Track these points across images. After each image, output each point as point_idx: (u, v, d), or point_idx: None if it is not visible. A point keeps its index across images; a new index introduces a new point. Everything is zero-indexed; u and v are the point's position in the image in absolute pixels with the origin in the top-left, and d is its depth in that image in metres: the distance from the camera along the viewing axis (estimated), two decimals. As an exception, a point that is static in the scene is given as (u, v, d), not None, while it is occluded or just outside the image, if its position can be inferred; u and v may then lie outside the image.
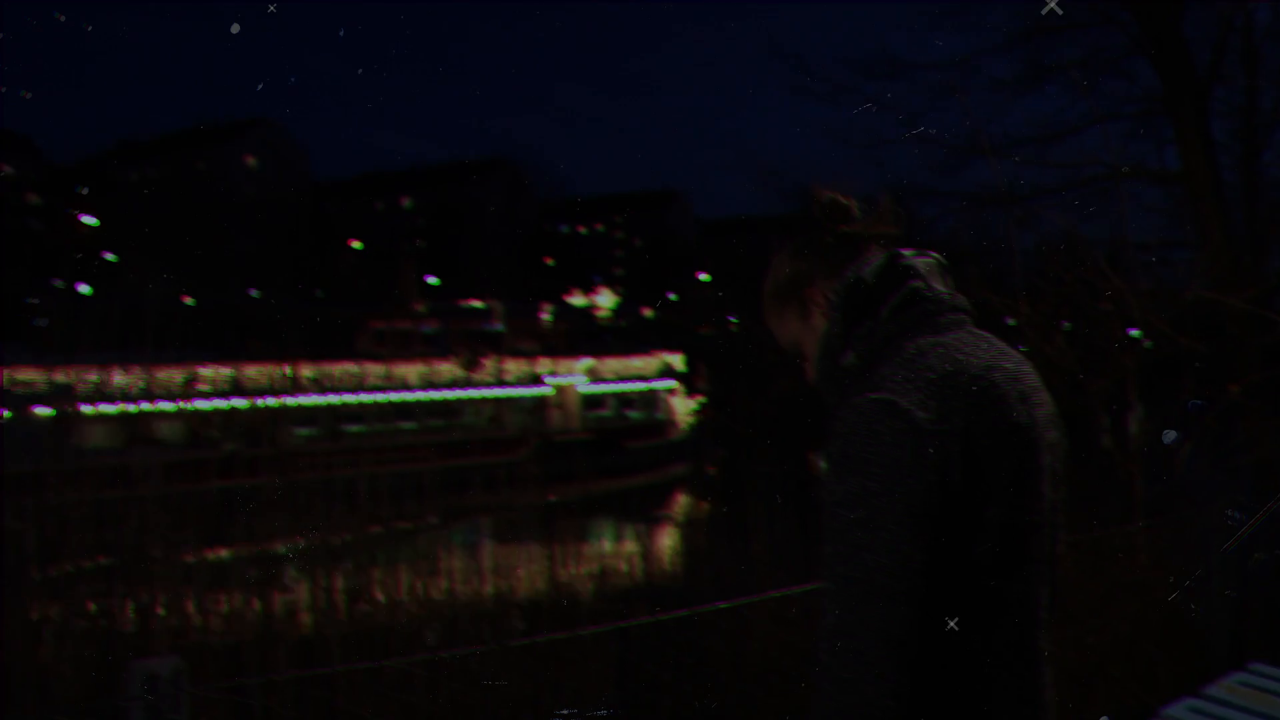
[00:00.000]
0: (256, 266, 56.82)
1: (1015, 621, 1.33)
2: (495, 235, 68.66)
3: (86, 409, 18.12)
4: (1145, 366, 4.82)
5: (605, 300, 36.73)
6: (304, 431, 22.75)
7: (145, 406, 19.67)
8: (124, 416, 19.10)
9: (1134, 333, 4.86)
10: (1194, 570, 4.09)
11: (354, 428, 25.56)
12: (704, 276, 63.50)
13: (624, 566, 8.24)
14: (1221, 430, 4.76)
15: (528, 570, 7.00)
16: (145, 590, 4.14)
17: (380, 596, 5.21)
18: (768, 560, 5.35)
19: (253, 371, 20.70)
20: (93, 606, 4.04)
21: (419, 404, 27.52)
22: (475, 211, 68.59)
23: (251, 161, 66.09)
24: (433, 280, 59.19)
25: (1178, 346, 4.88)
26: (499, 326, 31.51)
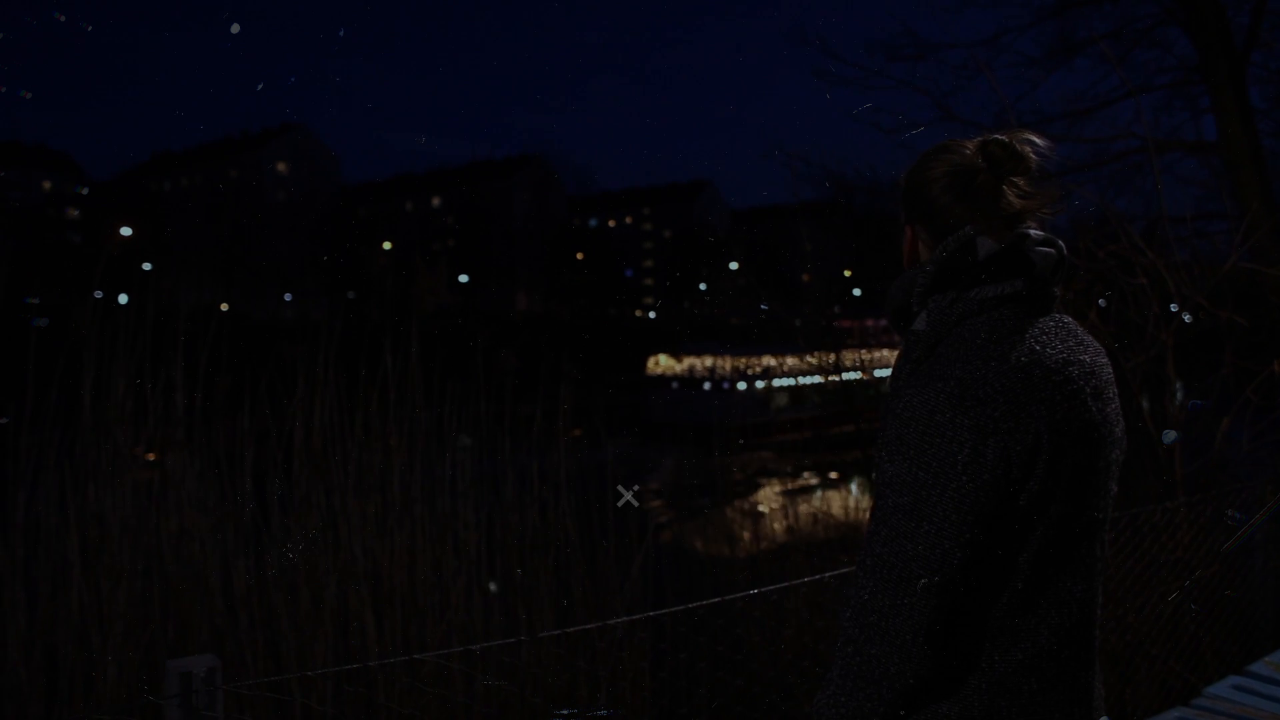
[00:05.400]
0: (292, 270, 57.52)
1: (1074, 616, 1.31)
2: (525, 231, 68.92)
3: (777, 382, 30.23)
4: (1183, 341, 4.71)
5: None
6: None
7: (801, 380, 29.75)
8: (791, 387, 30.05)
9: (1171, 307, 4.76)
10: (1236, 547, 4.01)
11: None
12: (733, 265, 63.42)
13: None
14: (1262, 404, 4.65)
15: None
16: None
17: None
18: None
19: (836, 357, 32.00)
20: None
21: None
22: (504, 209, 68.86)
23: (283, 167, 66.88)
24: (463, 278, 59.66)
25: (1216, 320, 4.77)
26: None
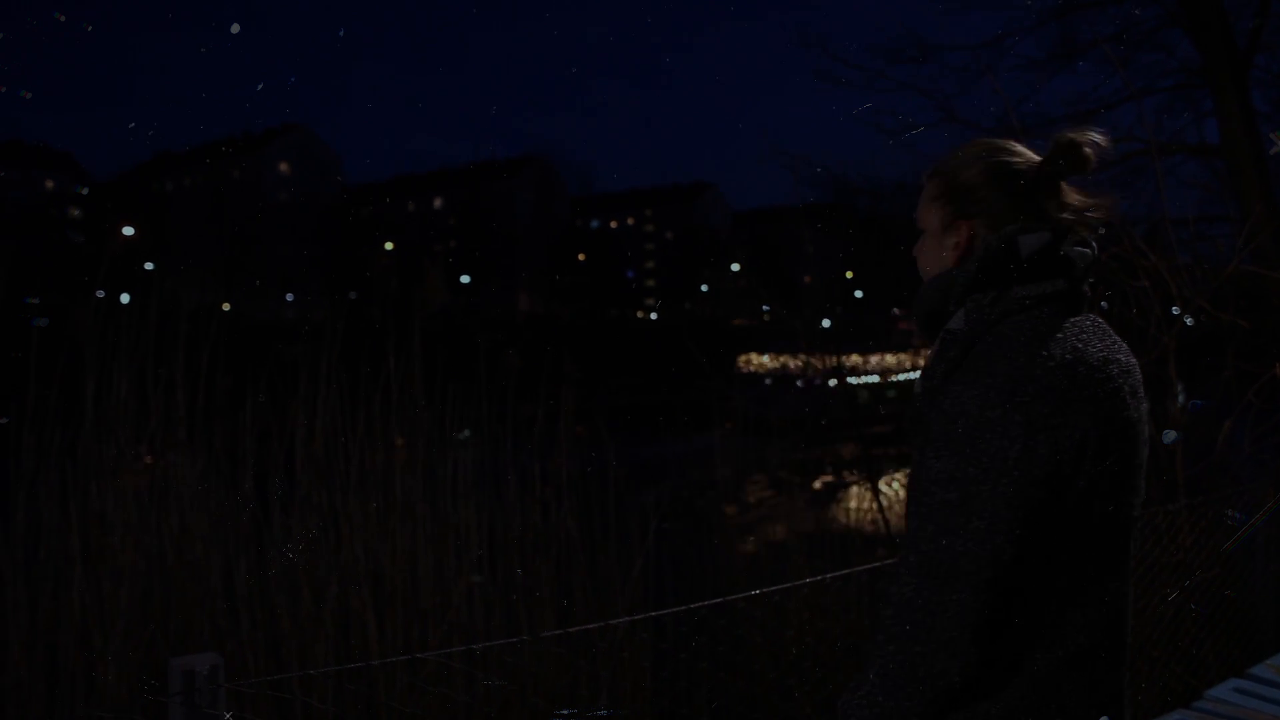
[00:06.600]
0: (294, 271, 57.54)
1: (1111, 614, 1.31)
2: (527, 232, 68.91)
3: (854, 380, 31.08)
4: (1185, 344, 4.71)
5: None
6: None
7: (878, 378, 32.77)
8: (868, 385, 32.00)
9: (1173, 310, 4.76)
10: (1236, 550, 4.01)
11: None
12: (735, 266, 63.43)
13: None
14: (1264, 407, 4.64)
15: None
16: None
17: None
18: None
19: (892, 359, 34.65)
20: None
21: None
22: (506, 209, 68.86)
23: (285, 167, 66.89)
24: (465, 278, 59.68)
25: (1218, 323, 4.77)
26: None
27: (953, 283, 1.39)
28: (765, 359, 36.03)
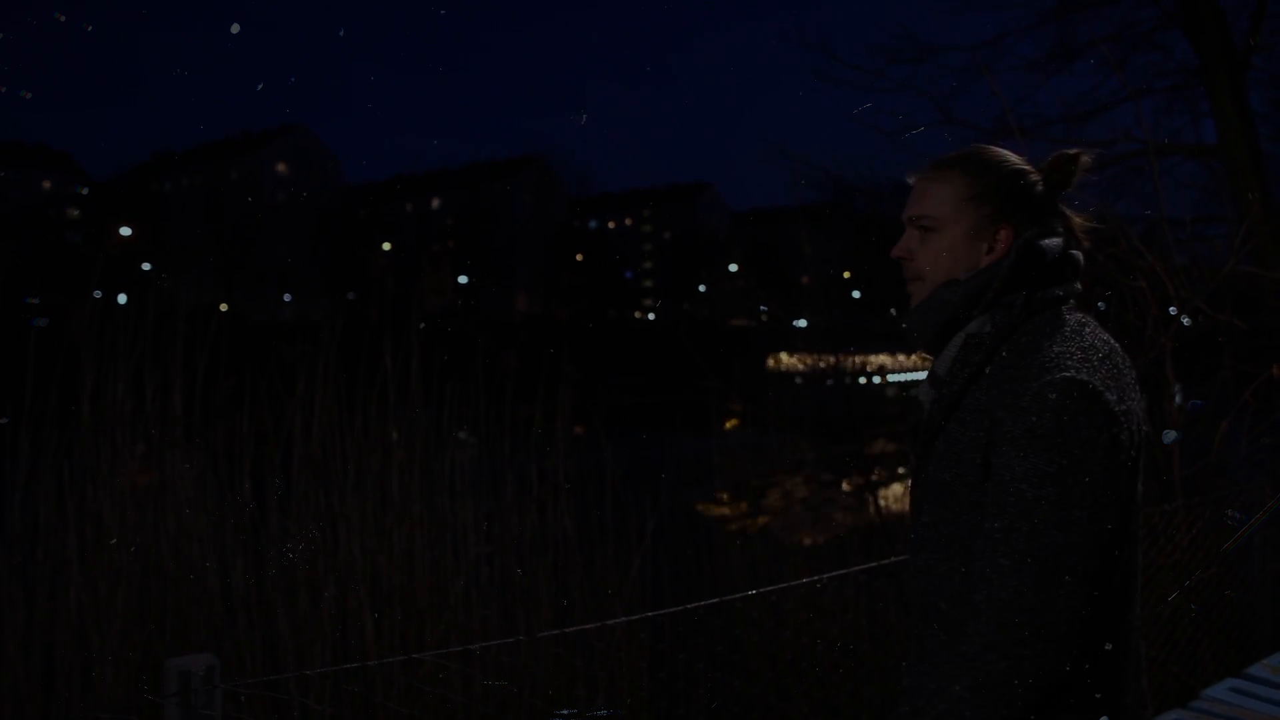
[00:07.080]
0: (292, 271, 57.49)
1: (1136, 592, 1.36)
2: (525, 233, 68.86)
3: (876, 379, 29.59)
4: (1182, 345, 4.71)
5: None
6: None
7: (902, 378, 30.91)
8: (895, 383, 29.91)
9: (1170, 310, 4.76)
10: (1233, 550, 4.01)
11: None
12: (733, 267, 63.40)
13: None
14: (1261, 408, 4.65)
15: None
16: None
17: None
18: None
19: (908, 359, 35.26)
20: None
21: None
22: (504, 210, 68.80)
23: (283, 168, 66.83)
24: (463, 279, 59.64)
25: (1215, 323, 4.77)
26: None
27: (985, 286, 1.40)
28: (795, 359, 36.63)
